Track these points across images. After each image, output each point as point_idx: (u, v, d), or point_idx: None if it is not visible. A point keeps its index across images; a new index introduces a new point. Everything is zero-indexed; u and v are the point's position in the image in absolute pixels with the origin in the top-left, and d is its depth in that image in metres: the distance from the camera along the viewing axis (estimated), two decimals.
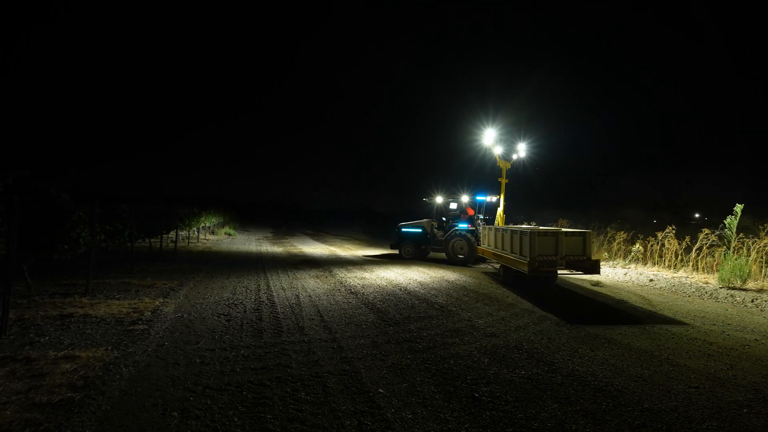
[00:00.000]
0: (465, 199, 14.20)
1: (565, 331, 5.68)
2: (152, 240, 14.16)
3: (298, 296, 7.49)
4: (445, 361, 4.41)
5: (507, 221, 13.83)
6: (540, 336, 5.44)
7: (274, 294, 7.63)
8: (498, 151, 13.74)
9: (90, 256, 7.15)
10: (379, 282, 9.29)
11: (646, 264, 12.06)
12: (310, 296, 7.53)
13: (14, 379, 3.49)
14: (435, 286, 8.98)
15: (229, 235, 26.60)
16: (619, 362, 4.50)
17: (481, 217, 14.28)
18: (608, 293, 8.79)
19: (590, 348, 4.97)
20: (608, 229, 14.84)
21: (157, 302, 6.53)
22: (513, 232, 9.23)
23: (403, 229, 14.84)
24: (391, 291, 8.25)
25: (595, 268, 8.48)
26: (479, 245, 12.28)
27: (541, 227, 11.18)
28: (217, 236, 24.80)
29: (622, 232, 13.77)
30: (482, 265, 13.01)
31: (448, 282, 9.53)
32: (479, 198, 14.13)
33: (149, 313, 5.85)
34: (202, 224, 20.55)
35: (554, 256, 8.30)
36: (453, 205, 14.34)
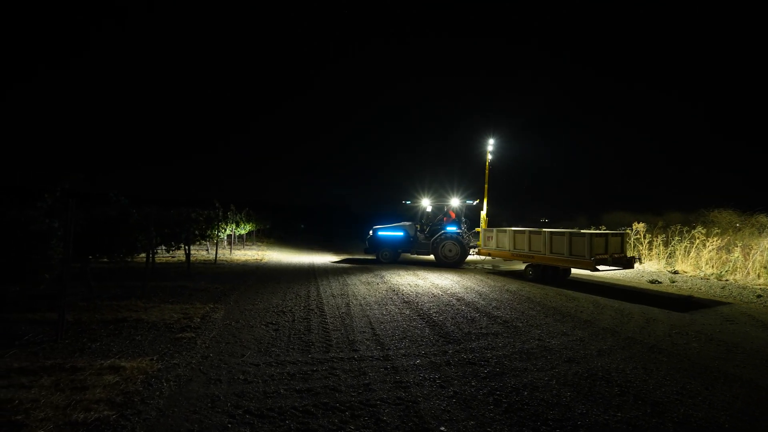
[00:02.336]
0: (455, 202, 14.11)
1: (663, 360, 4.70)
2: (207, 243, 14.62)
3: (348, 305, 7.09)
4: (518, 393, 3.71)
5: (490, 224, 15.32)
6: (632, 364, 4.53)
7: (324, 302, 7.28)
8: (489, 158, 15.90)
9: (147, 259, 7.26)
10: (433, 291, 8.66)
11: (747, 275, 10.28)
12: (360, 305, 7.09)
13: (57, 390, 3.34)
14: (495, 296, 8.18)
15: (282, 238, 27.25)
16: (749, 407, 3.53)
17: (464, 219, 14.11)
18: (705, 311, 7.47)
19: (703, 384, 4.00)
20: (695, 233, 12.97)
21: (207, 307, 6.42)
22: (555, 234, 9.83)
23: (379, 233, 14.11)
24: (447, 301, 7.59)
25: (630, 263, 9.75)
26: (472, 247, 13.42)
27: (543, 228, 11.04)
28: (271, 239, 25.48)
29: (715, 238, 11.93)
30: (470, 266, 13.64)
31: (510, 292, 8.67)
32: (467, 201, 14.34)
33: (198, 320, 5.71)
34: (257, 227, 21.12)
35: (605, 254, 9.17)
36: (428, 208, 14.38)
